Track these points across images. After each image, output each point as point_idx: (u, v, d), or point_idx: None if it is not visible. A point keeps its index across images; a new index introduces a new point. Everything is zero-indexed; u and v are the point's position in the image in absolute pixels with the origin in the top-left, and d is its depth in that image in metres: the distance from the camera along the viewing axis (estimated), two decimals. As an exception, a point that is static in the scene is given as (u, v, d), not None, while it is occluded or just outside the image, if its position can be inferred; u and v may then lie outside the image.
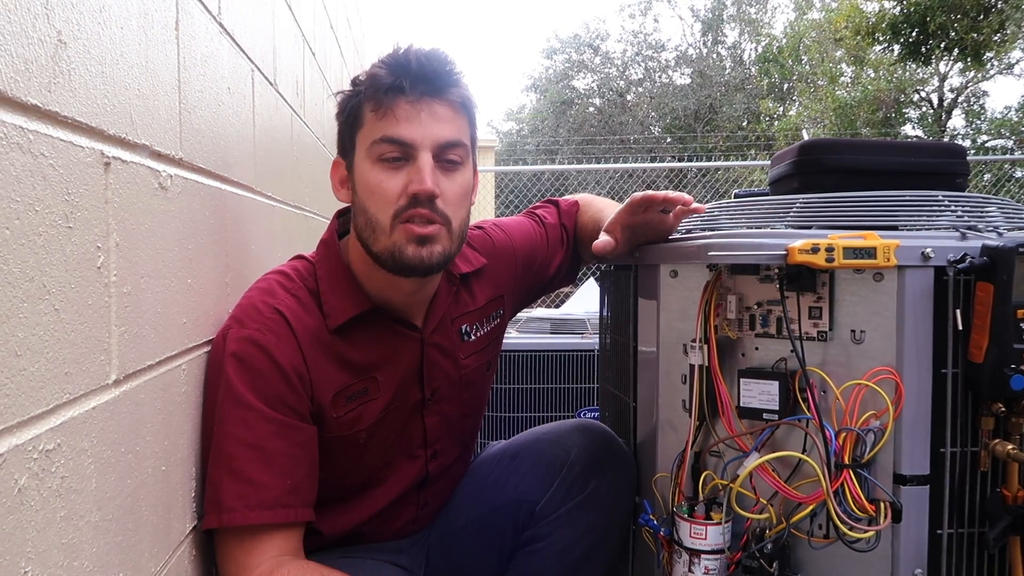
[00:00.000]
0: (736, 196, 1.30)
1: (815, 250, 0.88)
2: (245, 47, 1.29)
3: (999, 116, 13.41)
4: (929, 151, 1.24)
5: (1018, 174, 8.59)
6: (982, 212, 1.03)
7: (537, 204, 1.38)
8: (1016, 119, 13.07)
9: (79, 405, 0.65)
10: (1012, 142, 12.54)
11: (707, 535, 0.95)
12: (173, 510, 0.87)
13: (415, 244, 0.99)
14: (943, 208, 1.02)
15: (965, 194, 1.08)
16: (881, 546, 0.90)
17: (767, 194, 1.24)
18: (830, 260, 0.86)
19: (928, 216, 1.01)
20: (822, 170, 1.14)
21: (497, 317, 1.24)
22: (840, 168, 1.14)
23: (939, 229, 0.98)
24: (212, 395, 0.98)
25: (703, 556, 0.96)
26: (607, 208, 1.24)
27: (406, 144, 0.99)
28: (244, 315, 1.01)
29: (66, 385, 0.62)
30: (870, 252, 0.87)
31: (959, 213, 1.01)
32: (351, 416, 1.06)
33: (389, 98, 0.99)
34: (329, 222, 1.14)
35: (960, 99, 13.74)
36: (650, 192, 1.06)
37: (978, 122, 13.67)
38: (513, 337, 2.35)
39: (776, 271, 0.94)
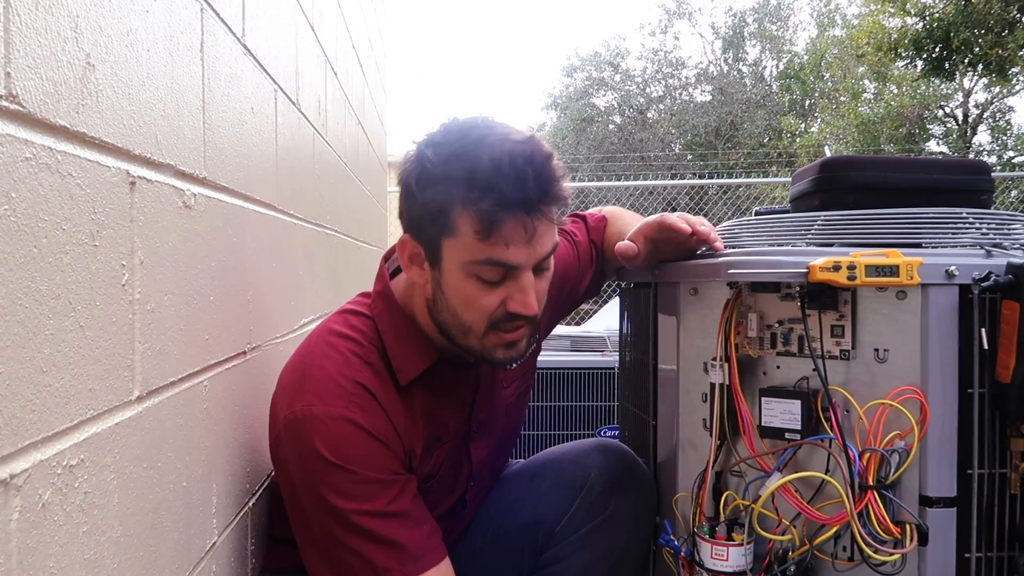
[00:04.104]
0: (756, 213, 1.29)
1: (836, 268, 0.87)
2: (268, 68, 1.31)
3: (1027, 132, 13.23)
4: (953, 168, 1.23)
5: (1046, 190, 8.45)
6: (1008, 229, 1.02)
7: (566, 219, 1.37)
8: (1043, 135, 12.88)
9: (103, 421, 0.65)
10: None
11: (728, 556, 0.94)
12: (194, 526, 0.88)
13: (504, 348, 0.99)
14: (967, 225, 1.00)
15: (990, 211, 1.06)
16: (907, 570, 0.88)
17: (788, 211, 1.23)
18: (852, 278, 0.85)
19: (952, 233, 0.99)
20: (844, 187, 1.13)
21: (534, 341, 1.23)
22: (862, 185, 1.13)
23: (963, 247, 0.96)
24: (309, 477, 0.96)
25: (724, 578, 0.94)
26: (633, 222, 1.24)
27: (513, 267, 0.93)
28: (324, 391, 0.98)
29: (90, 401, 0.63)
30: (893, 270, 0.86)
31: (984, 230, 1.00)
32: (432, 465, 1.07)
33: (499, 217, 0.89)
34: (379, 270, 1.11)
35: (985, 115, 13.58)
36: (676, 223, 1.05)
37: (1004, 138, 13.49)
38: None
39: (797, 289, 0.93)
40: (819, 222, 1.05)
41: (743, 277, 0.93)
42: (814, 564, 0.93)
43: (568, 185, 0.97)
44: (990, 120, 13.75)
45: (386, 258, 1.12)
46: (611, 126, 17.35)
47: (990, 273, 0.86)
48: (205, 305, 0.95)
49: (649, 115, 17.26)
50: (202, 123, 0.96)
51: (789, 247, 0.99)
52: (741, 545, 0.94)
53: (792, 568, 0.92)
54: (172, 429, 0.82)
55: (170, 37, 0.85)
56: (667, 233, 1.07)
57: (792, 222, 1.09)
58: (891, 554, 0.85)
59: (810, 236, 1.03)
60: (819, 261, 0.88)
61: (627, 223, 1.27)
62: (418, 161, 0.95)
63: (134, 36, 0.75)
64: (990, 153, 13.24)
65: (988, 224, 1.01)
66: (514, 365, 1.16)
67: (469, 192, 0.89)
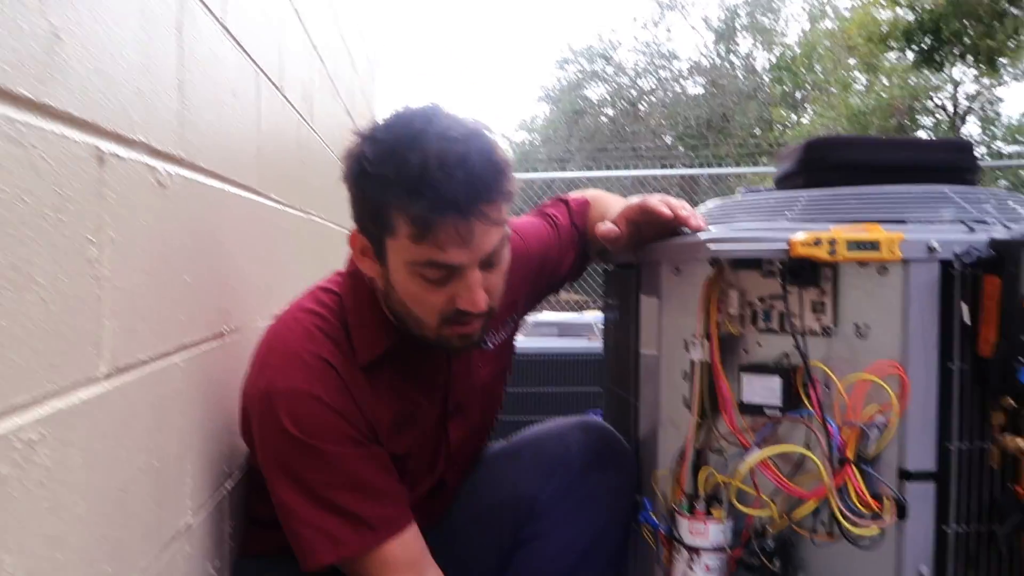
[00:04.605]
0: (742, 195, 1.29)
1: (817, 243, 0.87)
2: (250, 51, 1.29)
3: (1015, 123, 13.28)
4: (936, 147, 1.23)
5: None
6: (991, 206, 1.01)
7: (547, 202, 1.36)
8: (1032, 125, 12.93)
9: (66, 397, 0.64)
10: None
11: (708, 532, 0.94)
12: (165, 506, 0.87)
13: (460, 338, 0.99)
14: (950, 202, 1.00)
15: (973, 188, 1.06)
16: (885, 543, 0.88)
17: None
18: (832, 253, 0.85)
19: (935, 210, 0.99)
20: (828, 167, 1.13)
21: (512, 322, 1.23)
22: (845, 165, 1.12)
23: (945, 223, 0.96)
24: (273, 450, 0.99)
25: (703, 553, 0.94)
26: (616, 205, 1.23)
27: (454, 268, 0.92)
28: (287, 366, 0.99)
29: (52, 376, 0.62)
30: (874, 245, 0.85)
31: (966, 207, 0.99)
32: (403, 444, 1.07)
33: (431, 221, 0.87)
34: (349, 245, 1.09)
35: (974, 106, 13.62)
36: (658, 207, 1.05)
37: (993, 128, 13.54)
38: (520, 341, 2.34)
39: (779, 265, 0.93)
40: (802, 200, 1.04)
41: (724, 253, 0.92)
42: (793, 539, 0.93)
43: (522, 177, 0.96)
44: (979, 111, 13.80)
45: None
46: (603, 118, 17.32)
47: (972, 248, 0.85)
48: (180, 285, 0.94)
49: (641, 107, 17.23)
50: (178, 102, 0.95)
51: (771, 224, 0.99)
52: (720, 521, 0.94)
53: (770, 543, 0.91)
54: (143, 408, 0.81)
55: (142, 12, 0.84)
56: (648, 216, 1.07)
57: (775, 201, 1.08)
58: (869, 528, 0.85)
59: (793, 214, 1.02)
60: (800, 237, 0.88)
61: (609, 206, 1.26)
62: (357, 159, 0.94)
63: (106, 11, 0.74)
64: (979, 143, 13.29)
65: (971, 201, 1.00)
66: (490, 345, 1.15)
67: (401, 194, 0.88)
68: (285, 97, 1.65)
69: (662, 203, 1.06)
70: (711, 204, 1.22)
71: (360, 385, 1.02)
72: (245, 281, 1.27)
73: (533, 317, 2.60)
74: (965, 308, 0.85)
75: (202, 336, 1.01)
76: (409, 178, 0.87)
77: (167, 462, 0.87)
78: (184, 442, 0.94)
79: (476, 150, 0.89)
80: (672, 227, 1.06)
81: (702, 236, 0.95)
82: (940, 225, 0.94)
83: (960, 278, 0.86)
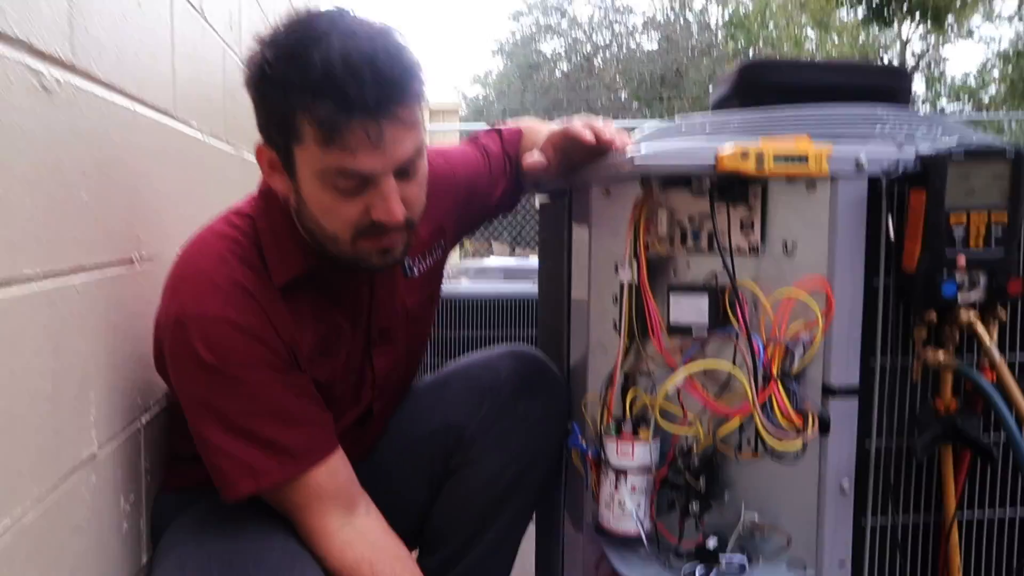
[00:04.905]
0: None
1: (745, 156, 0.84)
2: (157, -39, 1.20)
3: (959, 83, 13.57)
4: (872, 71, 1.21)
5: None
6: (923, 127, 1.00)
7: (480, 132, 1.32)
8: (974, 85, 13.22)
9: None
10: (969, 106, 12.70)
11: (634, 453, 0.93)
12: (64, 434, 0.82)
13: (379, 254, 0.94)
14: (883, 123, 0.98)
15: (907, 111, 1.05)
16: (808, 459, 0.88)
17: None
18: (760, 167, 0.83)
19: (868, 131, 0.97)
20: (762, 89, 1.10)
21: (439, 249, 1.19)
22: (780, 87, 1.10)
23: (876, 140, 0.94)
24: (188, 379, 0.94)
25: (629, 474, 0.93)
26: (547, 133, 1.19)
27: (366, 175, 0.87)
28: (200, 290, 0.94)
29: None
30: (802, 159, 0.83)
31: (899, 128, 0.98)
32: (325, 371, 1.03)
33: (339, 123, 0.83)
34: (256, 161, 1.03)
35: (921, 64, 13.86)
36: (580, 133, 1.01)
37: (938, 87, 13.82)
38: (464, 285, 2.31)
39: (707, 183, 0.90)
40: (736, 122, 1.02)
41: (651, 169, 0.89)
42: (719, 459, 0.93)
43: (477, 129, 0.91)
44: (925, 70, 14.05)
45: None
46: (558, 73, 17.14)
47: (899, 162, 0.84)
48: (76, 203, 0.87)
49: (596, 62, 17.08)
50: (67, 3, 0.87)
51: (701, 142, 0.96)
52: (646, 442, 0.93)
53: (696, 462, 0.91)
54: (31, 328, 0.75)
55: None
56: (573, 141, 1.03)
57: (710, 124, 1.06)
58: (792, 443, 0.85)
59: (726, 135, 1.00)
60: (727, 150, 0.85)
61: (541, 134, 1.22)
62: (257, 65, 0.88)
63: None
64: (925, 101, 13.57)
65: (905, 122, 0.99)
66: (416, 272, 1.11)
67: (305, 97, 0.83)
68: (207, 22, 1.55)
69: (585, 127, 1.02)
70: (648, 128, 1.19)
71: (279, 310, 0.97)
72: (162, 211, 1.20)
73: (479, 263, 2.56)
74: (891, 222, 0.84)
75: (106, 259, 0.95)
76: (312, 79, 0.82)
77: (65, 389, 0.82)
78: (87, 370, 0.88)
79: (384, 49, 0.84)
80: (599, 150, 1.03)
81: (629, 153, 0.92)
82: (870, 142, 0.93)
83: (887, 194, 0.85)
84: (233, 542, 0.94)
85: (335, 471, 0.99)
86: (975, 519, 0.92)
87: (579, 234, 1.10)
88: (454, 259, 6.50)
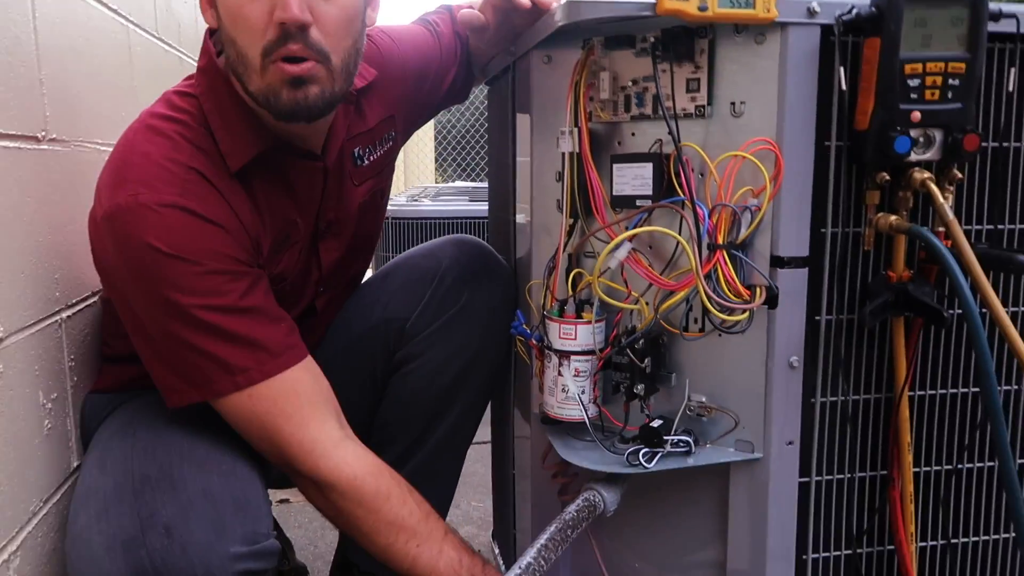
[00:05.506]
0: None
1: None
2: None
3: None
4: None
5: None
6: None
7: (430, 11, 1.24)
8: None
9: None
10: None
11: (576, 335, 0.89)
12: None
13: (289, 87, 0.84)
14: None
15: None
16: (756, 334, 0.84)
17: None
18: (703, 8, 0.76)
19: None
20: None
21: (389, 140, 1.12)
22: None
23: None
24: (138, 276, 0.84)
25: (573, 357, 0.89)
26: None
27: None
28: (151, 177, 0.85)
29: None
30: (748, 1, 0.77)
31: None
32: (282, 266, 0.97)
33: None
34: (202, 44, 0.95)
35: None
36: None
37: None
38: (427, 205, 2.24)
39: (651, 40, 0.84)
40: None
41: (586, 21, 0.82)
42: (665, 339, 0.89)
43: None
44: None
45: (212, 32, 0.97)
46: None
47: (853, 7, 0.78)
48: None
49: None
50: None
51: None
52: (589, 323, 0.89)
53: (640, 341, 0.87)
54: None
55: None
56: (510, 2, 0.97)
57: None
58: (740, 313, 0.80)
59: None
60: (670, -3, 0.78)
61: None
62: None
63: None
64: None
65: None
66: (366, 161, 1.05)
67: None
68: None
69: None
70: None
71: (239, 200, 0.90)
72: (73, 92, 1.09)
73: (444, 185, 2.49)
74: (843, 73, 0.78)
75: (2, 129, 0.87)
76: None
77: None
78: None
79: None
80: (537, 13, 0.96)
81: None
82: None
83: (840, 45, 0.79)
84: (159, 435, 0.90)
85: (319, 374, 0.94)
86: (927, 396, 0.89)
87: (523, 124, 1.03)
88: (415, 176, 6.33)
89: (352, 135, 1.04)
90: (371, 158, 1.09)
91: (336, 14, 0.85)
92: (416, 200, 2.29)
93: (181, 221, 0.85)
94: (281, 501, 1.79)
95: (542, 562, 0.77)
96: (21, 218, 0.91)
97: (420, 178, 6.63)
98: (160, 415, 0.92)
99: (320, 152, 0.99)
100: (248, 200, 0.92)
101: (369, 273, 1.24)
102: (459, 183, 2.75)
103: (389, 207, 1.34)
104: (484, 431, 1.25)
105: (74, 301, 1.04)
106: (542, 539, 0.80)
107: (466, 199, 2.43)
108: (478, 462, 1.68)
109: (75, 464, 1.03)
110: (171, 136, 0.89)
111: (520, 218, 1.06)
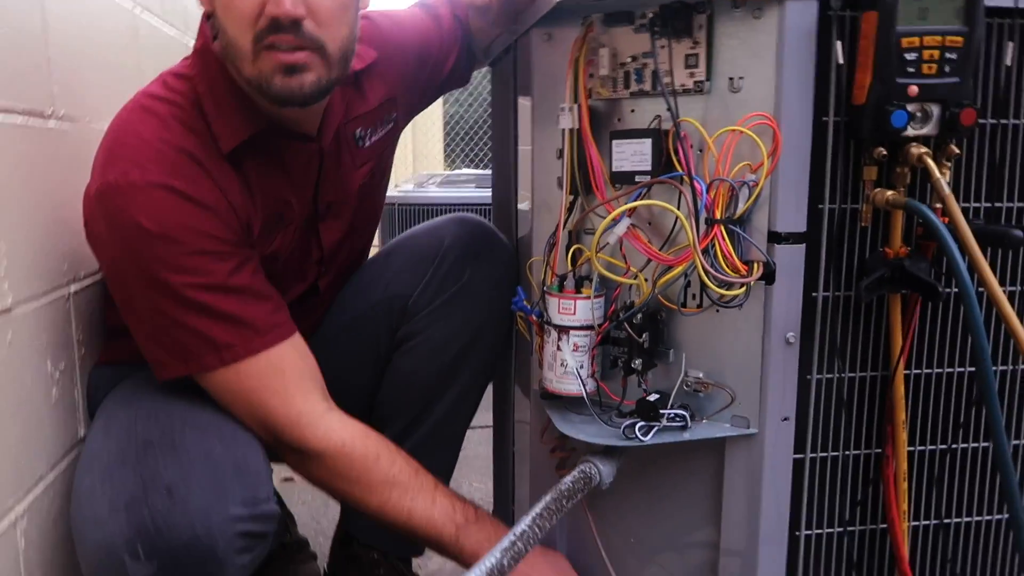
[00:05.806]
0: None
1: (686, -25, 0.78)
2: None
3: None
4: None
5: None
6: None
7: None
8: None
9: None
10: None
11: (576, 309, 0.89)
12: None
13: (282, 74, 0.86)
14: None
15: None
16: (753, 310, 0.84)
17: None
18: (700, -19, 0.77)
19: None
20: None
21: (390, 122, 1.13)
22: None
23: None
24: (128, 254, 0.86)
25: (572, 332, 0.90)
26: None
27: None
28: (142, 157, 0.87)
29: None
30: (746, -26, 0.77)
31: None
32: (276, 245, 0.99)
33: None
34: (199, 26, 0.97)
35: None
36: None
37: None
38: (434, 191, 2.25)
39: (650, 16, 0.84)
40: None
41: (587, -5, 0.83)
42: (663, 316, 0.90)
43: None
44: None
45: (208, 15, 0.98)
46: None
47: (851, -18, 0.78)
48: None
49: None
50: None
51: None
52: (588, 298, 0.90)
53: (638, 316, 0.88)
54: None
55: None
56: None
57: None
58: (739, 287, 0.81)
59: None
60: (668, -29, 0.79)
61: None
62: None
63: None
64: None
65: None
66: (367, 143, 1.06)
67: None
68: None
69: None
70: None
71: (230, 182, 0.92)
72: (80, 72, 1.11)
73: (451, 172, 2.50)
74: (840, 47, 0.78)
75: (10, 104, 0.89)
76: None
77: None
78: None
79: None
80: None
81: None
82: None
83: (838, 20, 0.79)
84: (162, 403, 0.92)
85: (305, 351, 0.95)
86: (922, 374, 0.89)
87: (524, 106, 1.04)
88: (423, 168, 6.35)
89: (352, 116, 1.05)
90: (372, 139, 1.10)
91: (329, 4, 0.86)
92: (423, 187, 2.31)
93: (169, 202, 0.86)
94: (286, 479, 1.81)
95: (536, 529, 0.78)
96: (30, 192, 0.93)
97: (429, 168, 6.65)
98: (163, 385, 0.94)
99: (316, 134, 1.00)
100: (239, 181, 0.93)
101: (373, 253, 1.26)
102: (466, 170, 2.76)
103: (396, 193, 1.35)
104: (487, 415, 1.26)
105: (82, 275, 1.06)
106: (538, 507, 0.81)
107: (473, 186, 2.44)
108: (481, 445, 1.69)
109: (82, 434, 1.05)
110: (164, 117, 0.90)
111: (522, 198, 1.07)
